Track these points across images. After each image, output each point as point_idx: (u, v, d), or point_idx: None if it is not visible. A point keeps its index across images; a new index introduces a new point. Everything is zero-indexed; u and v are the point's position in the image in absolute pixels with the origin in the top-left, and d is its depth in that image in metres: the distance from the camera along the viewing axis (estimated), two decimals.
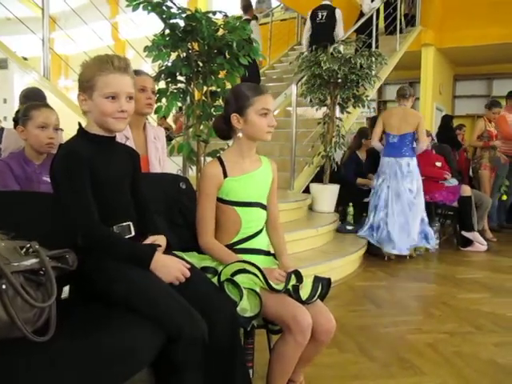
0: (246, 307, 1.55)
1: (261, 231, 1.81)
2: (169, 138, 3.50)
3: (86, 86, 1.46)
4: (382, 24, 7.75)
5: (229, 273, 1.60)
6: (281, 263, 1.79)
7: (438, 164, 5.18)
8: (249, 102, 1.69)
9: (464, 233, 4.98)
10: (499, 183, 5.90)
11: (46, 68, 3.70)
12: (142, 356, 1.25)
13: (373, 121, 6.37)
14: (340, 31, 6.42)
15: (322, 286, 1.69)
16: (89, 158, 1.45)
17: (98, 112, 1.47)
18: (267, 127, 1.71)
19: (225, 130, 1.80)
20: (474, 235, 4.95)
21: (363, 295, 3.41)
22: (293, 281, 1.64)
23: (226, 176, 1.74)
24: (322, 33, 6.44)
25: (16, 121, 2.34)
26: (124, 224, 1.53)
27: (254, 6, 8.68)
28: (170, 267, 1.46)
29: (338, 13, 6.44)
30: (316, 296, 1.65)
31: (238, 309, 1.54)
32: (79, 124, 1.55)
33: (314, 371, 2.04)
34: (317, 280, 1.70)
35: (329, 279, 1.73)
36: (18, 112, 2.40)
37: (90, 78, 1.45)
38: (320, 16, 6.61)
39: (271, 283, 1.56)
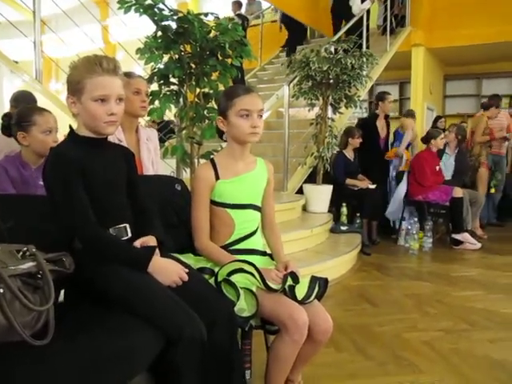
0: (244, 307, 1.55)
1: (255, 232, 1.81)
2: (161, 140, 3.49)
3: (75, 88, 1.44)
4: (373, 24, 7.79)
5: (225, 273, 1.60)
6: (279, 261, 1.78)
7: (437, 168, 5.23)
8: (229, 103, 1.69)
9: (454, 235, 5.03)
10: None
11: (37, 71, 3.68)
12: (142, 358, 1.25)
13: (364, 121, 6.39)
14: (353, 1, 6.94)
15: (319, 285, 1.69)
16: (79, 160, 1.43)
17: (88, 115, 1.45)
18: (249, 128, 1.68)
19: (220, 132, 1.81)
20: (463, 236, 4.97)
21: (358, 294, 3.42)
22: (289, 281, 1.64)
23: (218, 178, 1.73)
24: (338, 5, 7.19)
25: (7, 127, 2.28)
26: (120, 226, 1.52)
27: (244, 8, 8.72)
28: (168, 270, 1.46)
29: None
30: (313, 296, 1.65)
31: (235, 309, 1.54)
32: (70, 127, 1.54)
33: (310, 370, 2.04)
34: (313, 280, 1.70)
35: (326, 279, 1.73)
36: (5, 116, 2.33)
37: (79, 80, 1.42)
38: None
39: (268, 283, 1.57)
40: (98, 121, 1.45)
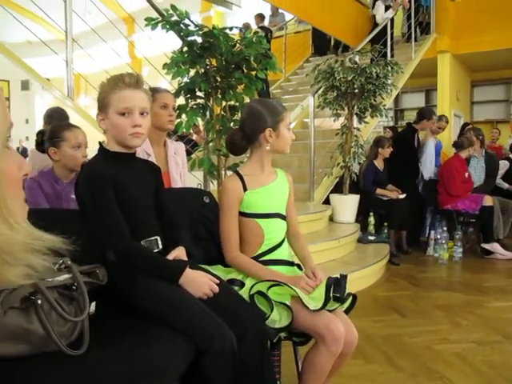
0: (276, 318, 1.56)
1: (282, 242, 1.83)
2: (188, 153, 3.54)
3: (102, 105, 1.51)
4: (397, 32, 7.76)
5: (264, 287, 1.61)
6: (307, 267, 1.80)
7: (467, 174, 5.13)
8: (280, 116, 1.76)
9: (483, 245, 4.92)
10: None
11: (69, 88, 3.81)
12: (173, 369, 1.25)
13: (401, 136, 6.35)
14: (377, 11, 7.25)
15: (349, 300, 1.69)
16: (110, 175, 1.48)
17: (114, 129, 1.51)
18: (290, 140, 1.82)
19: (242, 145, 1.82)
20: (493, 246, 4.86)
21: (387, 305, 3.38)
22: (331, 305, 1.61)
23: (245, 189, 1.76)
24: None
25: (40, 143, 2.36)
26: (152, 238, 1.56)
27: (267, 20, 8.81)
28: (199, 282, 1.47)
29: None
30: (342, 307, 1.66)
31: (267, 321, 1.55)
32: (100, 143, 1.59)
33: (340, 382, 2.03)
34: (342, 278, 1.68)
35: (355, 295, 1.72)
36: (39, 133, 2.41)
37: (104, 96, 1.50)
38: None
39: (307, 304, 1.54)
40: (123, 133, 1.50)
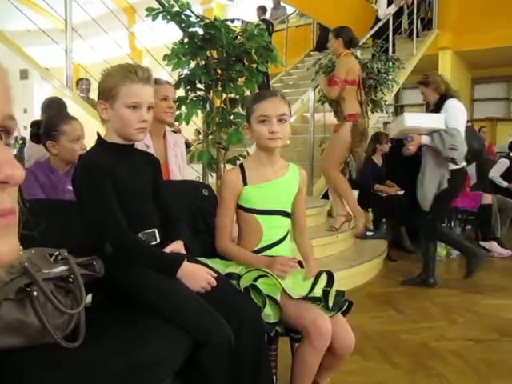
0: (270, 313, 1.56)
1: (284, 239, 1.79)
2: (187, 145, 3.52)
3: (108, 94, 1.47)
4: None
5: (250, 278, 1.60)
6: (307, 268, 1.78)
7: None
8: (250, 110, 1.70)
9: (482, 243, 4.91)
10: None
11: (68, 77, 3.79)
12: (171, 363, 1.25)
13: None
14: (379, 5, 7.20)
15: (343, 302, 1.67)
16: (109, 167, 1.46)
17: (120, 122, 1.48)
18: (267, 134, 1.64)
19: None
20: (490, 245, 4.85)
21: (384, 301, 3.38)
22: (314, 293, 1.58)
23: (245, 184, 1.73)
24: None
25: (35, 134, 2.31)
26: (149, 231, 1.54)
27: (268, 13, 8.75)
28: (196, 276, 1.46)
29: None
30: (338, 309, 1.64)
31: (262, 315, 1.54)
32: (98, 134, 1.57)
33: (337, 378, 2.01)
34: (339, 294, 1.65)
35: (351, 302, 1.69)
36: (34, 125, 2.36)
37: (113, 86, 1.45)
38: None
39: (289, 293, 1.54)
40: (129, 127, 1.48)
